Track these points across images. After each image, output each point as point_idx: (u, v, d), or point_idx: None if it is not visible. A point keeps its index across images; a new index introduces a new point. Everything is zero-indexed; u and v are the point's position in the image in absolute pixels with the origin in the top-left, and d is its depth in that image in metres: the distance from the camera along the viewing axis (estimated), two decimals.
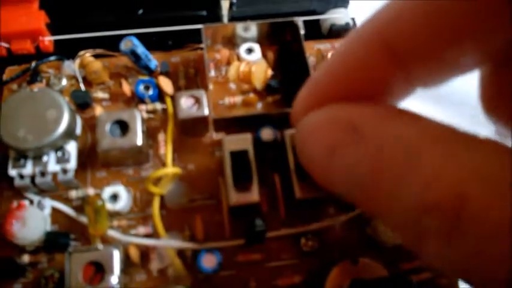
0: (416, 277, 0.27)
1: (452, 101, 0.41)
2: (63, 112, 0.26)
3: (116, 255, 0.24)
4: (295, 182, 0.26)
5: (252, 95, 0.31)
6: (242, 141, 0.27)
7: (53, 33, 0.33)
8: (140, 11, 0.34)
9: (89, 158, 0.29)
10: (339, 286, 0.25)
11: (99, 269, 0.24)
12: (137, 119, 0.27)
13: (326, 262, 0.27)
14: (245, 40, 0.33)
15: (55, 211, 0.28)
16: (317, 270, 0.27)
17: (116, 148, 0.27)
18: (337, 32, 0.34)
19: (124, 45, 0.29)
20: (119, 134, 0.27)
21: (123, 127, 0.27)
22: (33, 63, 0.31)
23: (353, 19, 0.35)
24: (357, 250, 0.28)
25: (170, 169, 0.27)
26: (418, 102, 0.44)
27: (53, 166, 0.27)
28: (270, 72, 0.31)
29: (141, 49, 0.30)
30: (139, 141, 0.27)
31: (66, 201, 0.28)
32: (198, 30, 0.31)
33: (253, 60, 0.32)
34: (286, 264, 0.28)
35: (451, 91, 0.42)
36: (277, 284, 0.27)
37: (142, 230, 0.28)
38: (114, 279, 0.24)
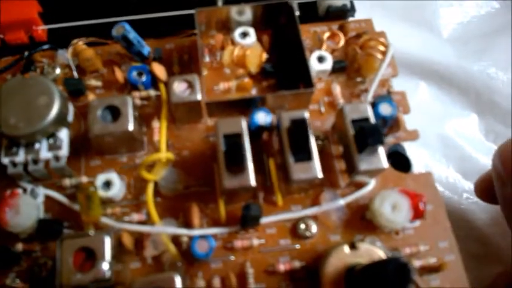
0: (416, 261, 0.27)
1: (458, 84, 0.40)
2: (54, 98, 0.26)
3: (107, 241, 0.24)
4: (291, 164, 0.26)
5: (246, 80, 0.31)
6: (235, 124, 0.26)
7: (46, 22, 0.33)
8: None
9: (83, 146, 0.29)
10: (338, 271, 0.25)
11: (91, 256, 0.23)
12: (129, 104, 0.27)
13: (324, 247, 0.27)
14: (240, 24, 0.32)
15: (48, 199, 0.28)
16: (315, 254, 0.27)
17: (107, 133, 0.26)
18: (334, 14, 0.34)
19: (116, 31, 0.29)
20: (110, 119, 0.27)
21: (115, 113, 0.27)
22: (26, 53, 0.31)
23: (351, 1, 0.35)
24: (355, 234, 0.27)
25: (163, 154, 0.27)
26: (425, 83, 0.43)
27: (45, 153, 0.26)
28: (264, 56, 0.31)
29: (133, 35, 0.29)
30: (130, 126, 0.26)
31: (60, 189, 0.28)
32: (192, 15, 0.31)
33: (247, 44, 0.31)
34: (283, 249, 0.27)
35: (456, 73, 0.40)
36: (276, 269, 0.26)
37: (136, 217, 0.27)
38: (105, 265, 0.23)
